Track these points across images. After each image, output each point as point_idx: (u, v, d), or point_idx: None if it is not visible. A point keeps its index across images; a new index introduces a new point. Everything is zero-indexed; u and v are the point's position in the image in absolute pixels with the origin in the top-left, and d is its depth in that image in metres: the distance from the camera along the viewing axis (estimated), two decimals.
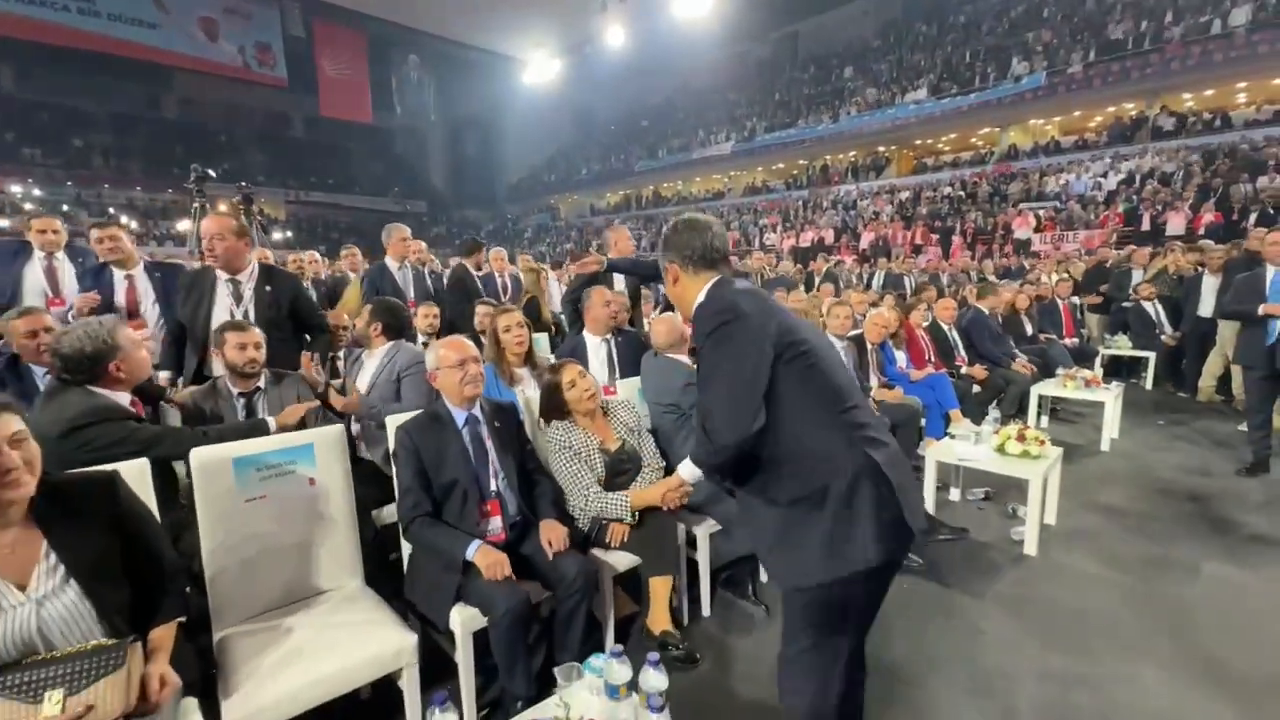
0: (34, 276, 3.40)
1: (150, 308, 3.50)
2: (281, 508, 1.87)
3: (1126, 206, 13.86)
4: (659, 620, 2.21)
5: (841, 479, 1.30)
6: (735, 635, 2.45)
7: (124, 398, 2.00)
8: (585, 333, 3.40)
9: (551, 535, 2.02)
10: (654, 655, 1.31)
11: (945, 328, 5.11)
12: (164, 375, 2.95)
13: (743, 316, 1.34)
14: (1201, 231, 11.04)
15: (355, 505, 2.06)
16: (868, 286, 9.83)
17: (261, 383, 2.57)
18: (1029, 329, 6.28)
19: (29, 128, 26.84)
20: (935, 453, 3.38)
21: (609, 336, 3.40)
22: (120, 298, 3.39)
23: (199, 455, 1.75)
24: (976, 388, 4.98)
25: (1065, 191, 15.58)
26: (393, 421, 2.14)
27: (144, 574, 1.38)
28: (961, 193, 17.88)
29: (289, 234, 28.28)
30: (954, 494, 3.79)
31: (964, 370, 5.07)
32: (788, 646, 1.44)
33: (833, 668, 1.40)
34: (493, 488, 2.09)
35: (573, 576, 1.95)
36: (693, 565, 2.54)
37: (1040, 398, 5.01)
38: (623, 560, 2.25)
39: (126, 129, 30.35)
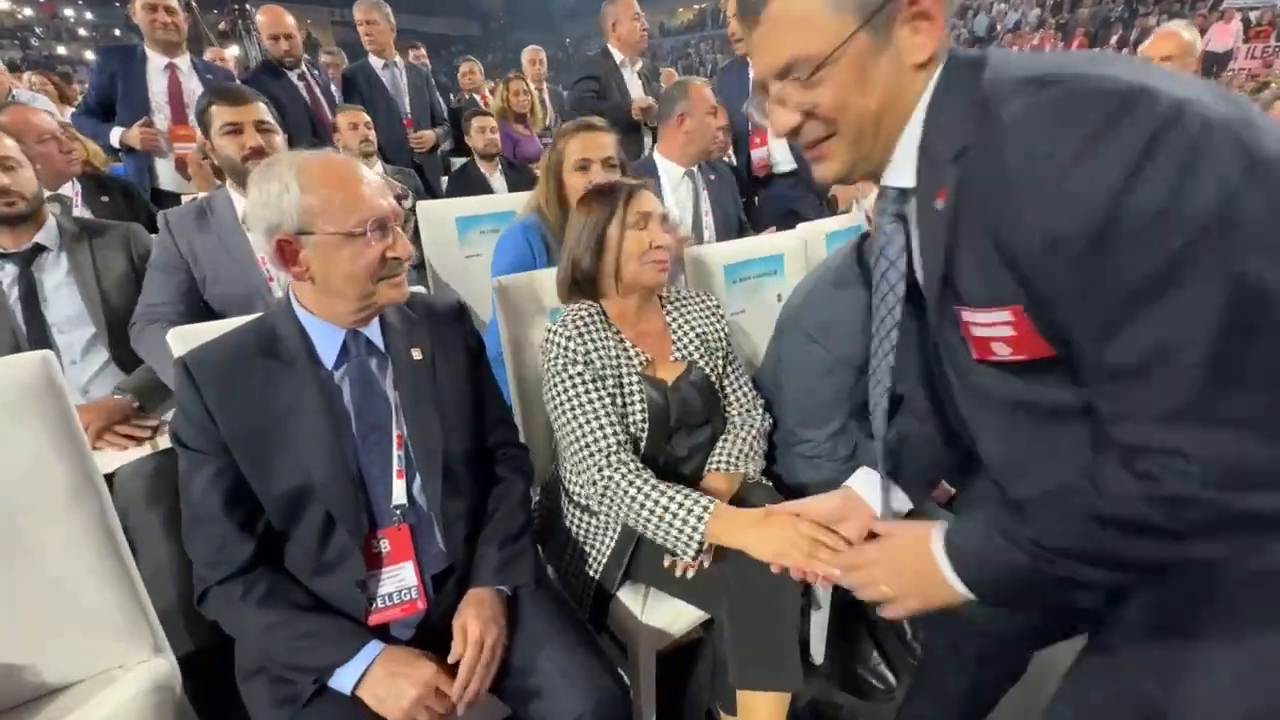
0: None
1: None
2: None
3: None
4: None
5: None
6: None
7: None
8: (658, 155, 2.05)
9: (476, 628, 0.90)
10: None
11: None
12: None
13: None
14: None
15: (158, 503, 1.01)
16: None
17: (45, 236, 1.45)
18: None
19: None
20: None
21: (695, 171, 2.03)
22: (159, 97, 2.49)
23: None
24: None
25: None
26: (180, 342, 0.98)
27: None
28: None
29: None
30: None
31: None
32: None
33: None
34: (396, 498, 0.95)
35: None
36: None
37: None
38: (680, 618, 1.15)
39: None
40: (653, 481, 1.05)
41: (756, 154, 2.78)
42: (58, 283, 1.45)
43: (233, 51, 8.30)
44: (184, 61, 2.55)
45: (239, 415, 0.87)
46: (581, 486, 1.11)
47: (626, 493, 1.04)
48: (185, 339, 1.00)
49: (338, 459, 0.90)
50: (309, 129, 2.79)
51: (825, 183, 0.75)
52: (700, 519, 0.99)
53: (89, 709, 0.92)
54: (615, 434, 1.09)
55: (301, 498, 0.89)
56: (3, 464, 0.86)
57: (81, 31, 23.83)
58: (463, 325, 1.09)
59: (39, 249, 1.43)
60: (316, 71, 2.97)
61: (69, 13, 24.09)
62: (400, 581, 0.93)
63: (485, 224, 2.19)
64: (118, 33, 24.40)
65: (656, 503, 1.02)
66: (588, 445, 1.08)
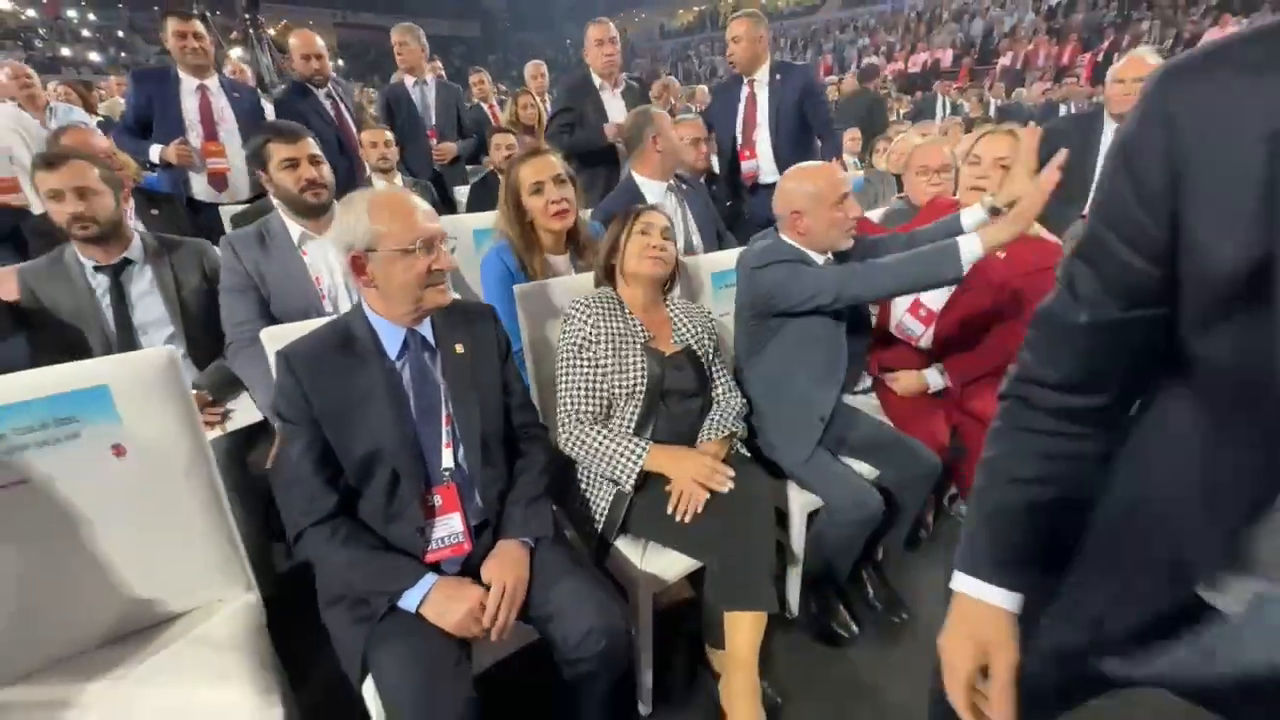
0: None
1: (230, 133, 2.79)
2: (64, 497, 1.06)
3: None
4: (740, 696, 1.27)
5: None
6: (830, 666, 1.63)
7: None
8: (637, 176, 2.27)
9: (500, 574, 1.13)
10: None
11: None
12: None
13: None
14: None
15: (228, 476, 1.24)
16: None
17: (133, 252, 1.68)
18: None
19: None
20: None
21: (673, 184, 2.27)
22: (191, 115, 2.71)
23: None
24: None
25: None
26: (272, 341, 1.22)
27: None
28: None
29: (340, 62, 26.05)
30: None
31: None
32: None
33: None
34: (445, 463, 1.19)
35: (577, 638, 1.10)
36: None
37: None
38: (673, 565, 1.39)
39: None
40: (604, 433, 1.37)
41: (746, 165, 3.01)
42: (142, 291, 1.68)
43: (235, 53, 8.44)
44: (213, 82, 2.78)
45: (326, 396, 1.11)
46: (562, 440, 1.41)
47: (582, 441, 1.38)
48: (275, 338, 1.23)
49: (401, 432, 1.14)
50: (336, 145, 3.02)
51: None
52: (639, 456, 1.34)
53: (204, 629, 1.16)
54: (585, 402, 1.42)
55: (373, 461, 1.13)
56: (141, 436, 1.11)
57: (85, 33, 24.02)
58: (493, 325, 1.33)
59: (127, 262, 1.67)
60: (341, 89, 3.21)
61: (72, 14, 24.29)
62: (449, 528, 1.17)
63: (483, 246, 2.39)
64: (121, 34, 24.60)
65: (606, 447, 1.36)
66: (563, 407, 1.42)
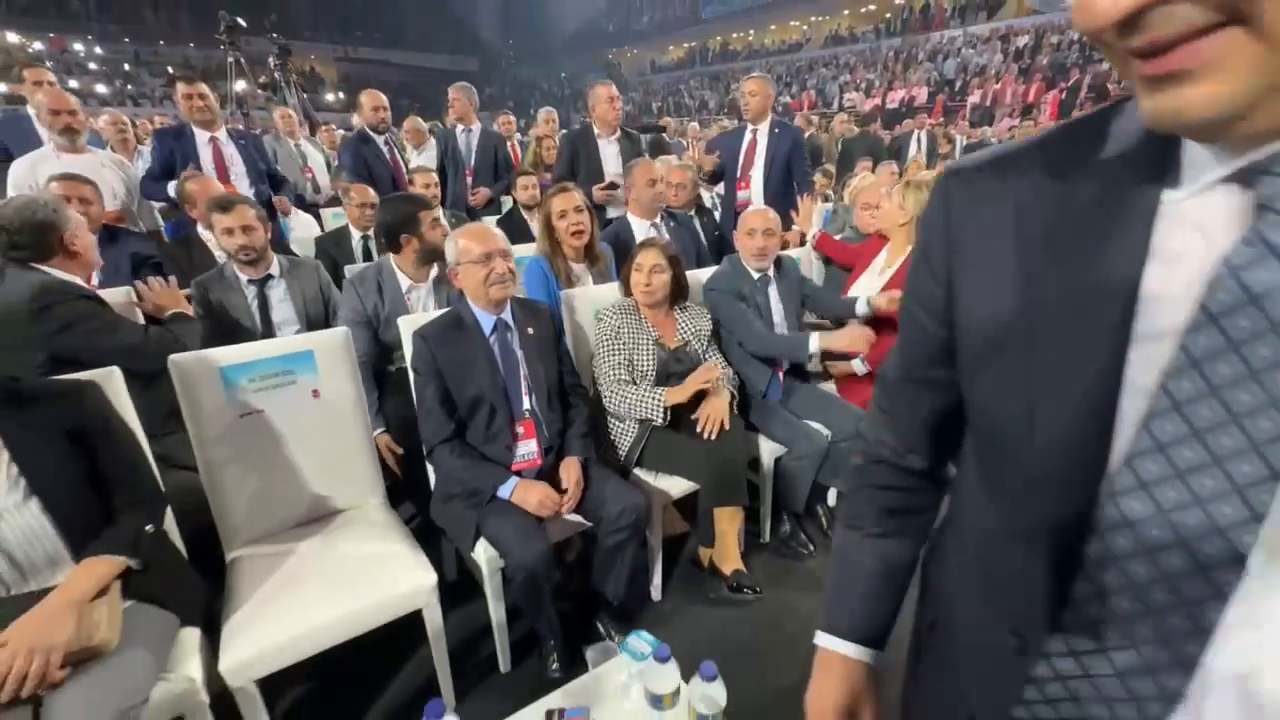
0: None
1: (239, 175, 3.28)
2: (282, 424, 1.63)
3: None
4: (728, 557, 1.95)
5: None
6: (795, 571, 2.21)
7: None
8: (629, 215, 2.90)
9: (569, 474, 1.73)
10: (709, 667, 1.01)
11: None
12: None
13: None
14: None
15: (370, 419, 1.82)
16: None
17: (274, 269, 2.27)
18: None
19: None
20: None
21: (659, 221, 2.89)
22: (208, 164, 3.18)
23: (178, 363, 1.49)
24: None
25: None
26: (408, 326, 1.81)
27: (112, 493, 1.27)
28: None
29: (341, 94, 27.15)
30: None
31: None
32: None
33: None
34: (525, 405, 1.77)
35: (615, 514, 1.67)
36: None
37: None
38: (677, 486, 1.96)
39: None
40: (634, 389, 1.95)
41: (740, 195, 3.63)
42: (279, 298, 2.26)
43: (240, 86, 8.87)
44: (222, 134, 3.27)
45: (445, 357, 1.69)
46: (605, 400, 1.98)
47: (622, 397, 1.93)
48: (411, 323, 1.82)
49: (494, 383, 1.73)
50: (390, 183, 3.65)
51: (1186, 120, 0.32)
52: (660, 395, 1.90)
53: (363, 516, 1.73)
54: (619, 371, 1.97)
55: (477, 402, 1.71)
56: (329, 385, 1.68)
57: (91, 66, 24.89)
58: (551, 317, 1.92)
59: (269, 277, 2.25)
60: (394, 136, 3.84)
61: (78, 47, 25.15)
62: (528, 449, 1.75)
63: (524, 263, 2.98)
64: (127, 67, 25.48)
65: (639, 396, 1.92)
66: (604, 376, 1.98)
